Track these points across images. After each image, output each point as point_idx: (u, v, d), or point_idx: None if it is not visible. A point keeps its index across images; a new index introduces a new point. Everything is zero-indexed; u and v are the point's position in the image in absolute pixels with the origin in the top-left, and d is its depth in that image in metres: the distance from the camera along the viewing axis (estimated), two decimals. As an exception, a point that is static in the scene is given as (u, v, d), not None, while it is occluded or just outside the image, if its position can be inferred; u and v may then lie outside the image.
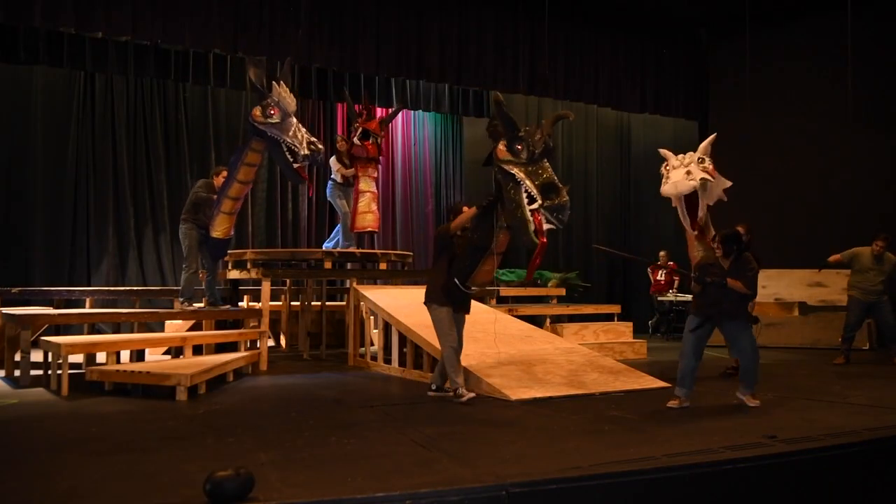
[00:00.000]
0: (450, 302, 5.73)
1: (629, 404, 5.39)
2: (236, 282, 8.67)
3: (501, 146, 5.55)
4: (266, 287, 7.90)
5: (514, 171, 5.41)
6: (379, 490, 3.03)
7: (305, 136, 6.89)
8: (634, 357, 8.69)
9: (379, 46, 9.81)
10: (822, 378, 6.97)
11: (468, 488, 3.09)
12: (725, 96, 12.25)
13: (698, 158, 6.69)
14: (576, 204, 13.99)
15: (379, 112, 10.74)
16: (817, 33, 11.06)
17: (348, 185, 9.42)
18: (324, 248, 9.32)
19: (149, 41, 9.04)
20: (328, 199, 9.82)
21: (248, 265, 8.33)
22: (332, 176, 9.52)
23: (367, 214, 9.33)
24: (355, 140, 9.29)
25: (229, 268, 8.58)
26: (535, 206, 5.30)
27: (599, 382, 6.07)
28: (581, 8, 11.37)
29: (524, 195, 5.36)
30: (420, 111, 12.77)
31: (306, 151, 6.81)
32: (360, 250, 9.52)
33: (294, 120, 6.95)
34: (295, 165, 6.95)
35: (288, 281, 9.29)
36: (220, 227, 7.45)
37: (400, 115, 12.82)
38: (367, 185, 9.43)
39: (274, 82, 6.98)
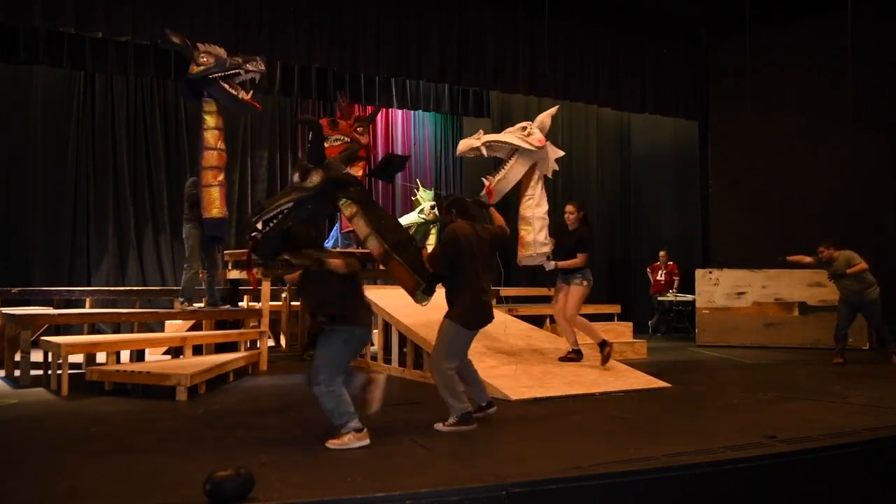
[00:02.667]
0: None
1: (629, 404, 5.39)
2: (236, 282, 8.67)
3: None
4: (266, 287, 7.89)
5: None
6: (379, 490, 3.03)
7: (239, 61, 6.97)
8: (634, 357, 8.69)
9: (379, 46, 9.81)
10: (822, 378, 6.97)
11: (468, 488, 3.09)
12: (725, 96, 12.25)
13: (522, 127, 6.75)
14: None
15: (368, 111, 10.75)
16: (817, 33, 11.06)
17: None
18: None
19: (149, 41, 9.04)
20: None
21: (249, 265, 8.31)
22: None
23: None
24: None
25: (229, 268, 8.58)
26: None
27: (599, 382, 6.07)
28: (581, 8, 11.36)
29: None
30: (420, 111, 12.77)
31: (247, 67, 6.91)
32: (360, 250, 9.51)
33: (227, 58, 7.01)
34: (243, 98, 7.06)
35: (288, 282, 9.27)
36: (211, 205, 7.30)
37: (400, 115, 12.84)
38: None
39: (198, 43, 7.05)
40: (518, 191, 7.09)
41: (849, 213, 10.52)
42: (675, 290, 11.87)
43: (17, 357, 6.51)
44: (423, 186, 11.45)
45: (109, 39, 9.27)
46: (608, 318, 10.02)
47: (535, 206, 6.93)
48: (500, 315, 8.05)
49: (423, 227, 10.55)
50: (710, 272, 10.75)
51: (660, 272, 12.21)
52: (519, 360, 6.47)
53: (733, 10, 10.70)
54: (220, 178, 7.34)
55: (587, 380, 6.11)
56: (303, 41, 9.32)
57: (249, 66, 6.99)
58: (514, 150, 6.76)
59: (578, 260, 6.77)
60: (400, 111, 12.73)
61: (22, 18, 7.96)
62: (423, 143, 13.14)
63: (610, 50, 11.71)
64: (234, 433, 4.41)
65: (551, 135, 14.23)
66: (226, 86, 6.98)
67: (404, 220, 10.46)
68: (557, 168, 7.33)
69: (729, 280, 10.55)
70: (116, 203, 10.47)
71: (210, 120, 7.28)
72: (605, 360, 6.51)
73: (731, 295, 10.50)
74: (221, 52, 7.06)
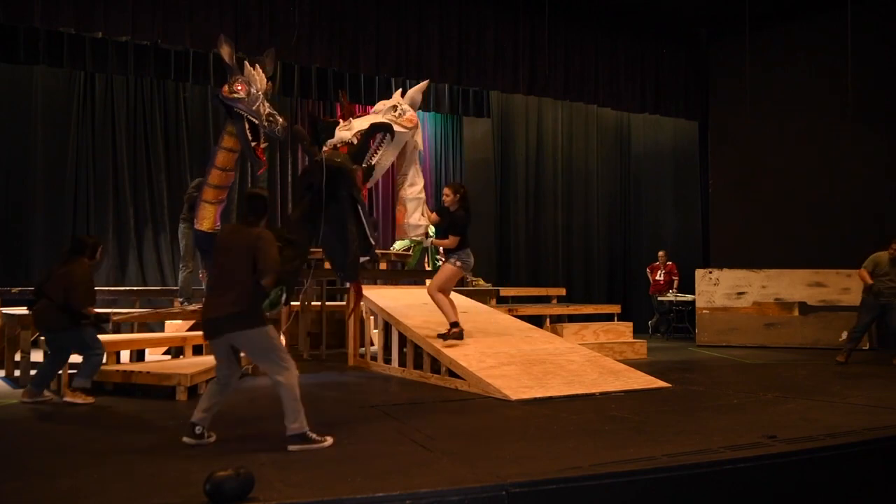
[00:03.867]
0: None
1: (629, 404, 5.39)
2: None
3: (358, 174, 5.20)
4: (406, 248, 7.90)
5: (359, 202, 5.09)
6: (379, 490, 3.03)
7: (267, 109, 6.89)
8: (634, 357, 8.69)
9: (379, 46, 9.82)
10: (822, 378, 6.97)
11: (468, 488, 3.09)
12: (725, 96, 12.26)
13: (392, 106, 6.57)
14: (576, 204, 14.13)
15: (368, 111, 10.73)
16: (817, 33, 11.07)
17: None
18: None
19: (149, 41, 9.03)
20: None
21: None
22: None
23: None
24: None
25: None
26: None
27: (599, 382, 6.06)
28: (581, 8, 11.37)
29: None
30: (420, 111, 12.75)
31: (265, 123, 6.83)
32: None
33: (261, 96, 6.93)
34: (254, 145, 7.00)
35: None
36: (203, 219, 7.29)
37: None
38: None
39: (246, 62, 6.97)
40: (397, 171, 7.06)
41: (849, 212, 10.53)
42: (675, 290, 11.87)
43: (17, 357, 6.51)
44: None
45: (109, 39, 9.27)
46: (608, 318, 10.03)
47: (408, 186, 6.82)
48: (494, 313, 8.07)
49: (419, 248, 10.61)
50: (710, 272, 10.75)
51: (659, 272, 12.21)
52: (519, 359, 6.45)
53: (733, 10, 10.71)
54: (221, 197, 7.31)
55: (587, 380, 6.11)
56: (303, 41, 9.32)
57: (269, 120, 6.88)
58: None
59: (449, 241, 6.76)
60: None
61: (22, 18, 7.95)
62: (423, 143, 13.13)
63: (610, 50, 11.71)
64: (234, 433, 4.41)
65: (552, 138, 14.32)
66: (247, 125, 6.93)
67: (399, 245, 10.53)
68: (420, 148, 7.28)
69: (729, 280, 10.55)
70: (116, 203, 10.47)
71: (228, 141, 7.25)
72: (447, 336, 6.52)
73: (731, 295, 10.50)
74: (261, 80, 6.98)
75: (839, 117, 10.30)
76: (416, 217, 6.82)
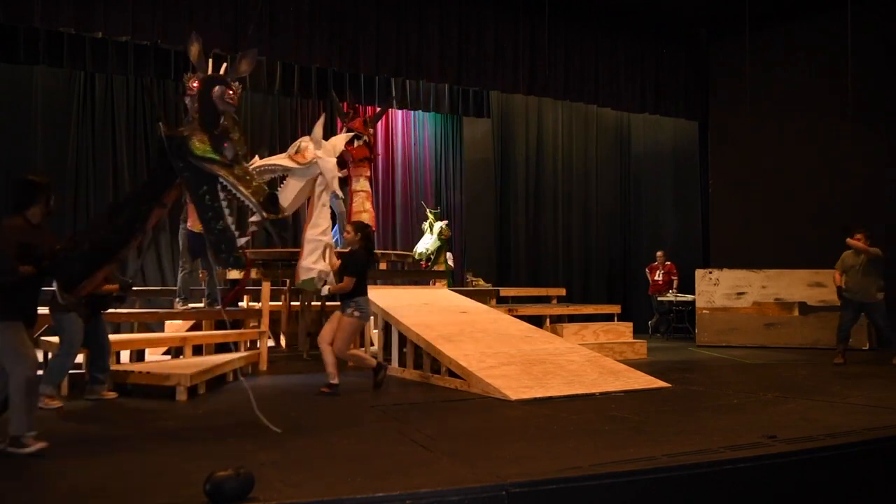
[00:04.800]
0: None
1: (629, 404, 5.39)
2: (236, 282, 8.67)
3: (200, 138, 4.50)
4: (266, 287, 7.89)
5: (221, 173, 4.41)
6: (379, 490, 3.03)
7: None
8: (634, 357, 8.69)
9: (379, 46, 9.82)
10: (822, 378, 6.97)
11: (468, 488, 3.09)
12: (725, 96, 12.26)
13: (296, 145, 6.61)
14: (576, 204, 14.12)
15: (370, 111, 10.75)
16: (817, 33, 11.07)
17: (344, 186, 9.44)
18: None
19: (149, 41, 9.03)
20: None
21: (248, 265, 8.32)
22: None
23: (363, 213, 9.36)
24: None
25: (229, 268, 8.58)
26: (254, 218, 4.47)
27: (599, 382, 6.06)
28: (581, 8, 11.37)
29: (225, 204, 4.48)
30: (420, 111, 12.77)
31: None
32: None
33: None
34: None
35: (288, 281, 9.28)
36: (196, 221, 7.32)
37: (400, 115, 12.84)
38: (360, 185, 9.49)
39: (210, 60, 6.89)
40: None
41: (849, 212, 10.52)
42: (674, 291, 11.87)
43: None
44: (426, 205, 11.71)
45: (109, 39, 9.26)
46: (608, 318, 10.03)
47: (310, 228, 6.58)
48: (494, 313, 8.07)
49: (441, 247, 10.72)
50: (710, 272, 10.75)
51: (658, 272, 12.21)
52: (519, 359, 6.45)
53: (733, 10, 10.71)
54: None
55: (587, 380, 6.11)
56: (303, 41, 9.32)
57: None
58: (286, 171, 6.53)
59: (344, 284, 6.08)
60: (400, 111, 12.72)
61: (22, 18, 7.95)
62: (423, 143, 13.14)
63: (610, 50, 11.71)
64: (234, 433, 4.41)
65: (552, 138, 14.30)
66: None
67: (423, 246, 10.62)
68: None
69: (729, 280, 10.55)
70: (116, 203, 10.48)
71: None
72: (377, 385, 6.11)
73: (731, 295, 10.50)
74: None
75: (839, 117, 10.30)
76: (312, 260, 6.48)
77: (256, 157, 6.59)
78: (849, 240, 8.15)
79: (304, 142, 6.66)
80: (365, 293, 6.18)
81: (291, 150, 6.65)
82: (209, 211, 4.46)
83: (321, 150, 6.62)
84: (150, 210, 4.66)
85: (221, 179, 4.43)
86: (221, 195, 4.47)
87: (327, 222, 6.71)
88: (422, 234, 11.23)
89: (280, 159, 6.64)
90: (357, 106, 9.96)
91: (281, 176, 6.64)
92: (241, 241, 4.57)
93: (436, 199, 13.14)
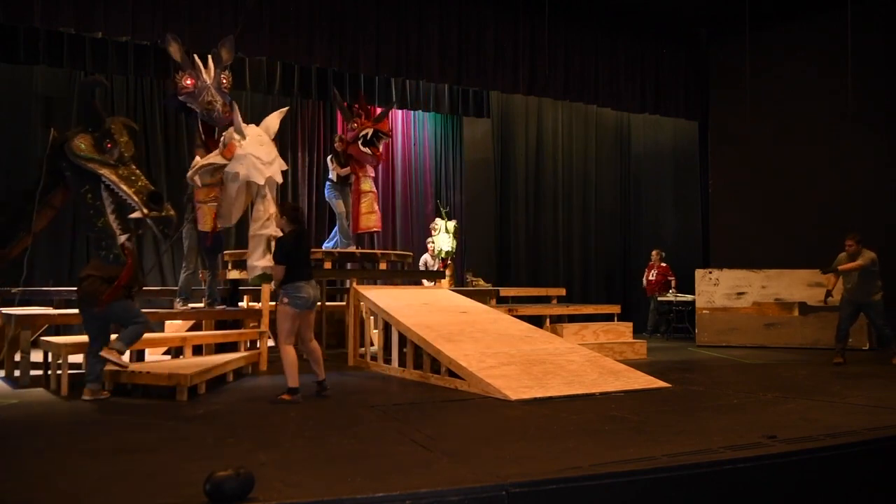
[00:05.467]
0: None
1: (629, 404, 5.39)
2: (236, 282, 8.67)
3: (83, 139, 4.68)
4: (266, 287, 7.89)
5: (103, 172, 4.56)
6: (379, 490, 3.03)
7: (208, 98, 6.97)
8: (634, 357, 8.69)
9: (379, 46, 9.82)
10: (822, 378, 6.97)
11: (468, 488, 3.09)
12: (725, 96, 12.26)
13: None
14: (576, 204, 14.12)
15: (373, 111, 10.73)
16: (817, 33, 11.07)
17: (345, 185, 9.45)
18: (324, 249, 9.32)
19: (149, 41, 9.03)
20: (326, 199, 9.84)
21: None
22: (329, 176, 9.54)
23: (371, 215, 9.38)
24: (360, 145, 9.26)
25: (229, 268, 8.58)
26: (136, 215, 4.62)
27: (599, 382, 6.07)
28: (581, 8, 11.37)
29: (109, 203, 4.61)
30: (420, 111, 12.77)
31: (204, 111, 6.93)
32: (360, 250, 9.53)
33: (207, 85, 7.00)
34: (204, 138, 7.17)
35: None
36: (202, 220, 7.38)
37: (400, 115, 12.83)
38: (368, 186, 9.50)
39: (195, 55, 7.06)
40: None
41: (849, 212, 10.53)
42: (674, 291, 11.87)
43: (17, 357, 6.51)
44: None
45: (109, 39, 9.27)
46: (608, 318, 10.02)
47: (252, 222, 6.56)
48: (494, 313, 8.07)
49: (454, 244, 10.80)
50: (710, 272, 10.75)
51: (651, 272, 12.21)
52: (519, 359, 6.45)
53: (733, 10, 10.71)
54: (213, 195, 7.33)
55: (587, 380, 6.11)
56: (303, 41, 9.32)
57: (210, 113, 7.01)
58: (216, 168, 6.57)
59: (276, 271, 5.66)
60: (400, 111, 12.72)
61: (22, 18, 7.96)
62: (423, 143, 13.14)
63: (610, 50, 11.71)
64: (234, 433, 4.41)
65: (552, 138, 14.28)
66: (199, 120, 7.08)
67: (447, 245, 10.67)
68: (284, 167, 7.26)
69: (729, 280, 10.55)
70: (116, 203, 10.47)
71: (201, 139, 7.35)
72: (275, 401, 5.48)
73: (731, 295, 10.50)
74: (208, 72, 7.07)
75: (839, 117, 10.30)
76: (256, 257, 6.34)
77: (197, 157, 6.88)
78: (840, 268, 8.18)
79: (228, 135, 6.73)
80: (302, 278, 5.60)
81: (220, 146, 6.76)
82: (90, 209, 4.66)
83: (247, 140, 6.70)
84: (34, 210, 4.85)
85: (104, 179, 4.58)
86: (105, 194, 4.62)
87: (267, 213, 6.70)
88: (428, 232, 11.18)
89: (213, 157, 6.74)
90: (370, 107, 9.93)
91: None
92: (122, 238, 4.68)
93: (436, 198, 13.14)
